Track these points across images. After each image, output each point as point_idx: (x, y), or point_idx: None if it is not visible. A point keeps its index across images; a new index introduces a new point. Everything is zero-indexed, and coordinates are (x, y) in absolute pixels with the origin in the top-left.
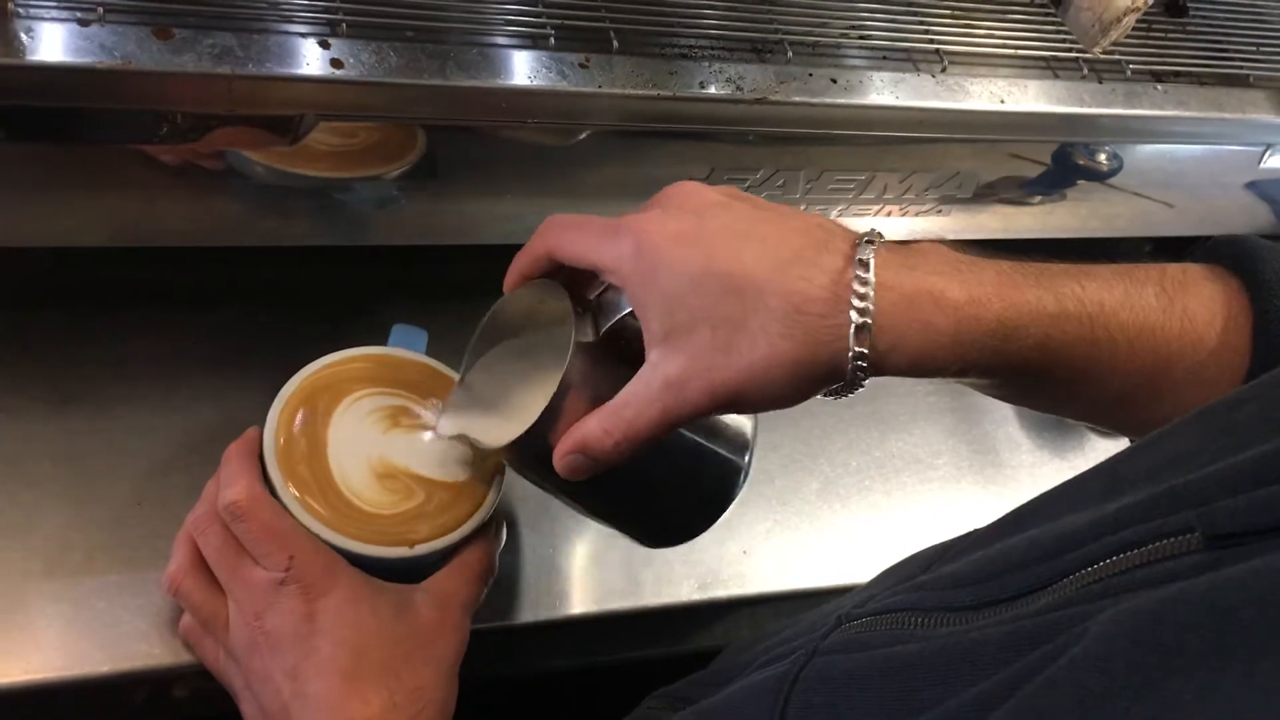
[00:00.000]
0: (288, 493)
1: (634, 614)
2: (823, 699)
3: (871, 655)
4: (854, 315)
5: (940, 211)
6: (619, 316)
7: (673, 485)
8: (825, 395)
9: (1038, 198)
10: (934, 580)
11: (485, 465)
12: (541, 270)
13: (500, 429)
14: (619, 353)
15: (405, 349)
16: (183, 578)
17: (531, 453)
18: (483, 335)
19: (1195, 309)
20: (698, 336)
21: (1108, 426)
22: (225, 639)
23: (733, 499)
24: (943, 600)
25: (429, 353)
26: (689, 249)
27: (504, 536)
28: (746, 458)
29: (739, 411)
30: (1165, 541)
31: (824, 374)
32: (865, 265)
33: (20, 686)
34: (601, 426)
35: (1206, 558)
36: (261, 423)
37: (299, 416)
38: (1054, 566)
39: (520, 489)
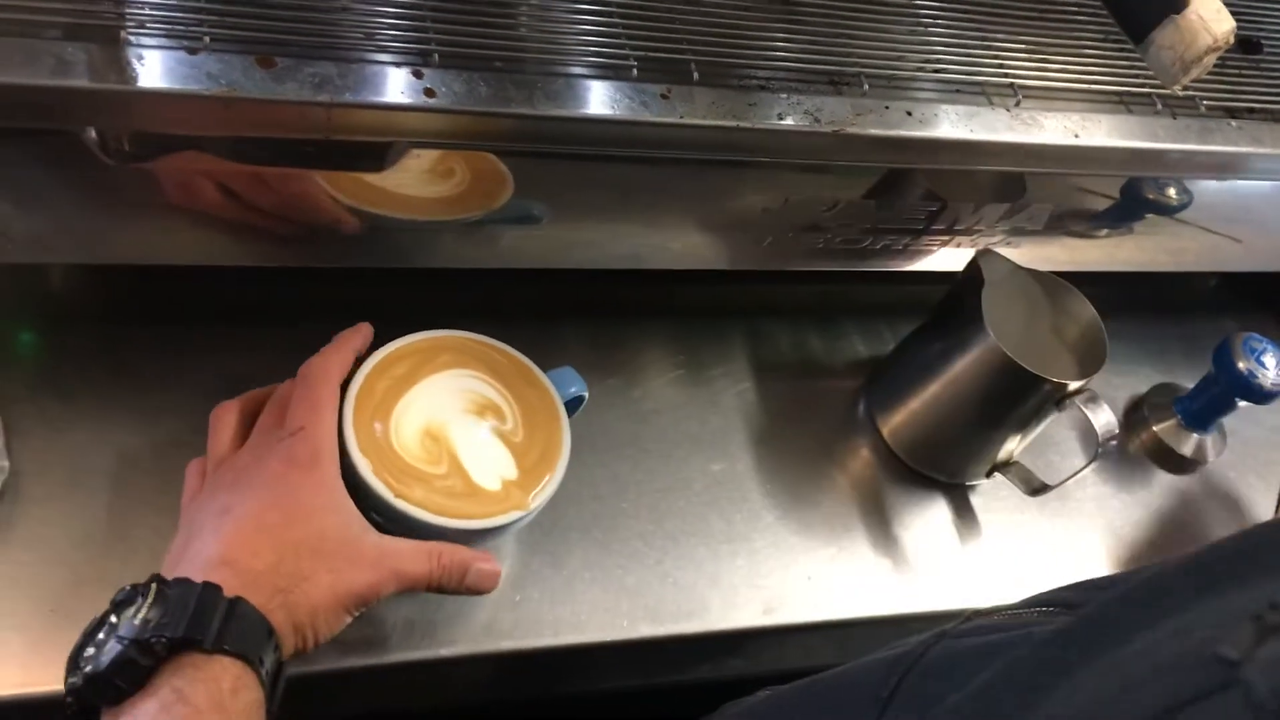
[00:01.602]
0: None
1: (701, 637)
2: (938, 674)
3: (997, 638)
4: None
5: (1010, 243)
6: None
7: None
8: None
9: (1105, 231)
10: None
11: (522, 484)
12: None
13: None
14: None
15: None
16: (229, 413)
17: None
18: None
19: None
20: None
21: None
22: (211, 473)
23: None
24: (1090, 597)
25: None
26: None
27: (493, 580)
28: None
29: None
30: None
31: None
32: None
33: None
34: None
35: None
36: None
37: (394, 369)
38: None
39: (590, 510)
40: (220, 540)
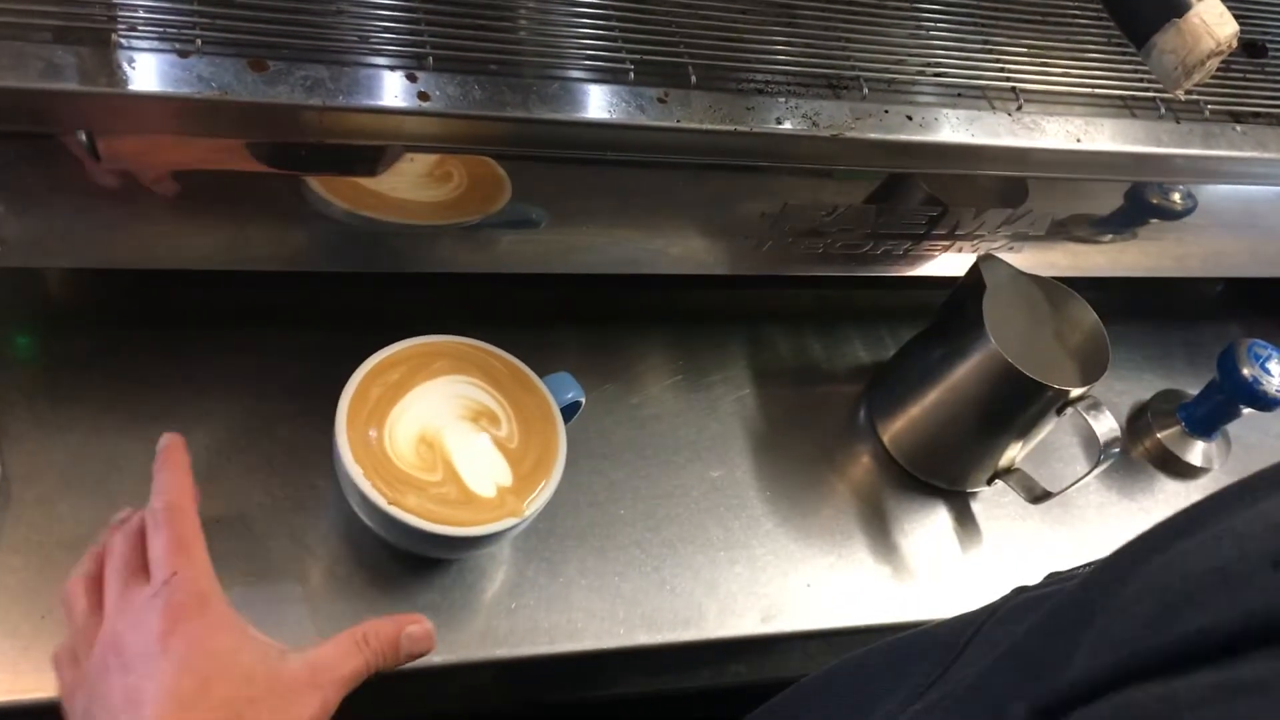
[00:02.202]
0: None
1: (699, 645)
2: (1009, 620)
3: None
4: None
5: (1012, 249)
6: None
7: None
8: None
9: (1109, 236)
10: None
11: (517, 491)
12: None
13: None
14: None
15: (549, 387)
16: (76, 586)
17: None
18: None
19: None
20: None
21: None
22: (85, 660)
23: None
24: None
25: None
26: None
27: (428, 642)
28: None
29: None
30: None
31: None
32: None
33: None
34: None
35: None
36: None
37: (387, 375)
38: None
39: (587, 516)
40: None
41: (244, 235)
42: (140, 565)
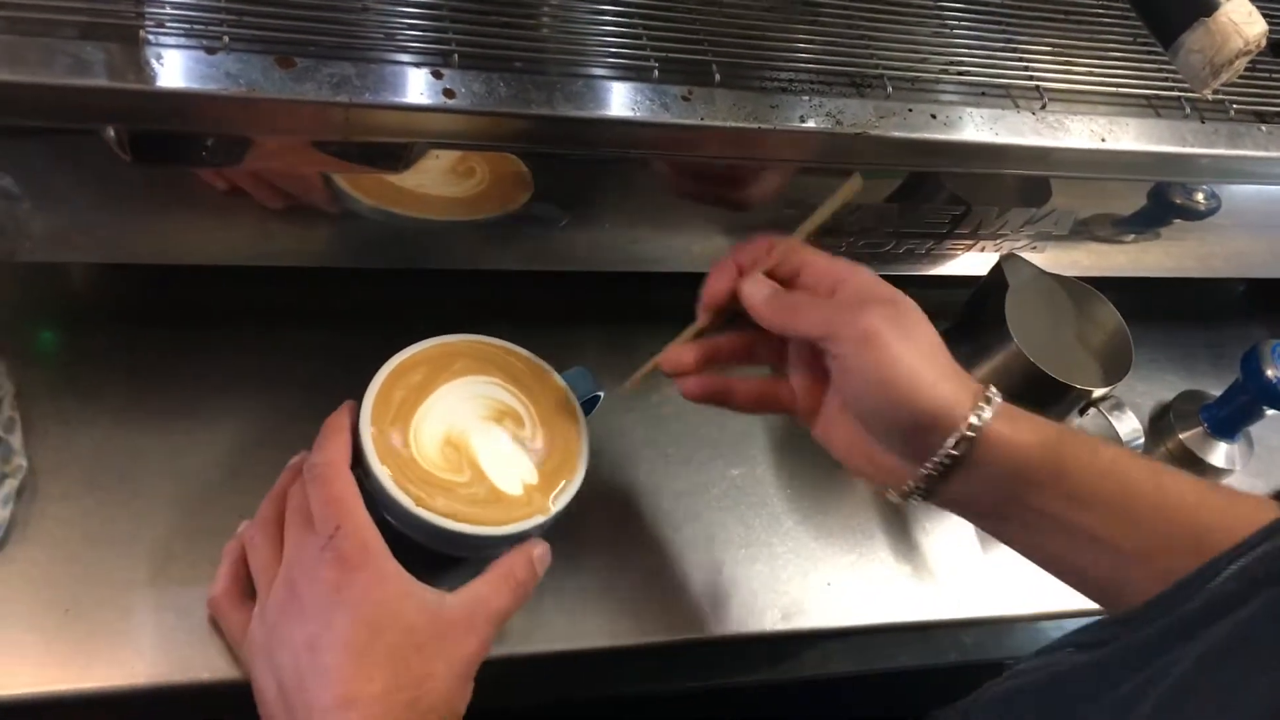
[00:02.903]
0: (368, 425)
1: (719, 641)
2: None
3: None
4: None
5: (1035, 248)
6: None
7: None
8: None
9: (1131, 236)
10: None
11: (543, 488)
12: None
13: None
14: None
15: (569, 383)
16: (255, 531)
17: None
18: None
19: (1243, 501)
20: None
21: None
22: (265, 598)
23: None
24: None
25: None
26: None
27: (549, 558)
28: None
29: None
30: None
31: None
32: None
33: (123, 691)
34: None
35: None
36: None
37: (409, 377)
38: None
39: (608, 514)
40: (327, 681)
41: (266, 231)
42: (310, 515)
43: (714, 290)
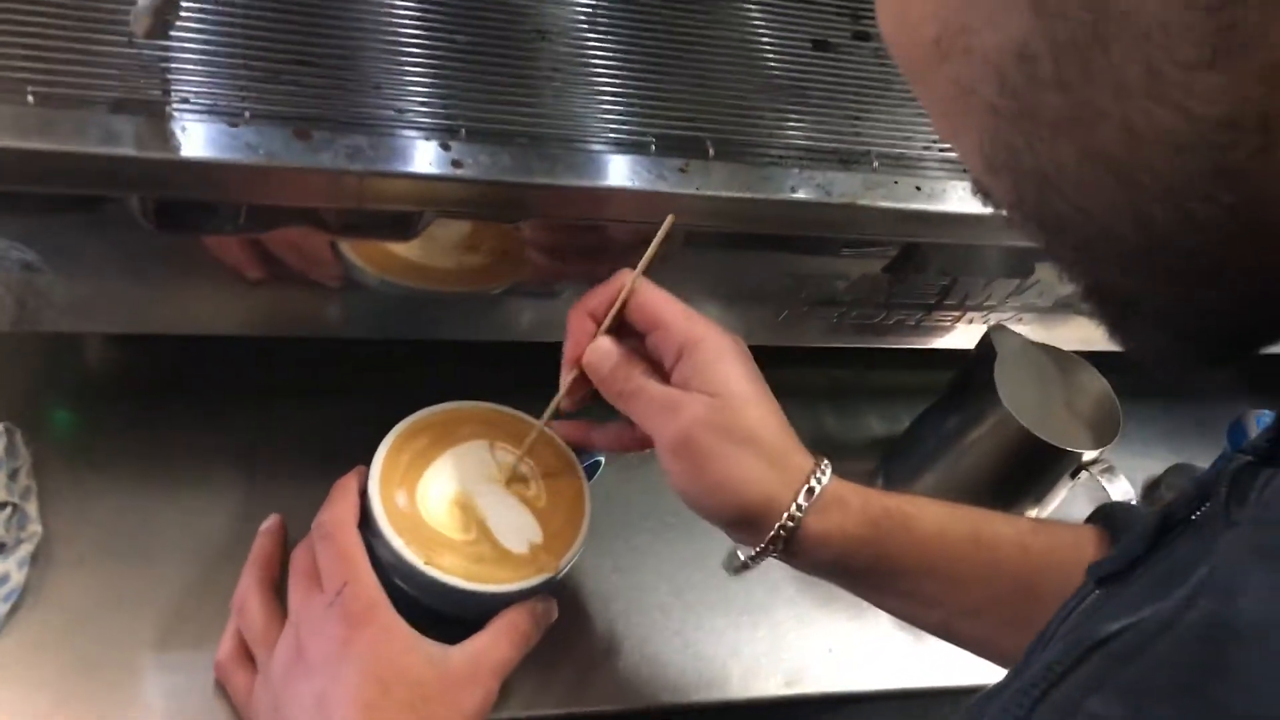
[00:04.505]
0: (376, 487)
1: (721, 706)
2: None
3: None
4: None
5: (1022, 320)
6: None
7: None
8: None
9: None
10: None
11: (548, 548)
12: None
13: None
14: None
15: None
16: (249, 595)
17: None
18: None
19: (1063, 535)
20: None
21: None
22: (267, 661)
23: None
24: None
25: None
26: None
27: (554, 614)
28: None
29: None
30: None
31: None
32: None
33: None
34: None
35: None
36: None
37: (416, 441)
38: None
39: (612, 580)
40: None
41: (278, 301)
42: (316, 575)
43: (572, 352)
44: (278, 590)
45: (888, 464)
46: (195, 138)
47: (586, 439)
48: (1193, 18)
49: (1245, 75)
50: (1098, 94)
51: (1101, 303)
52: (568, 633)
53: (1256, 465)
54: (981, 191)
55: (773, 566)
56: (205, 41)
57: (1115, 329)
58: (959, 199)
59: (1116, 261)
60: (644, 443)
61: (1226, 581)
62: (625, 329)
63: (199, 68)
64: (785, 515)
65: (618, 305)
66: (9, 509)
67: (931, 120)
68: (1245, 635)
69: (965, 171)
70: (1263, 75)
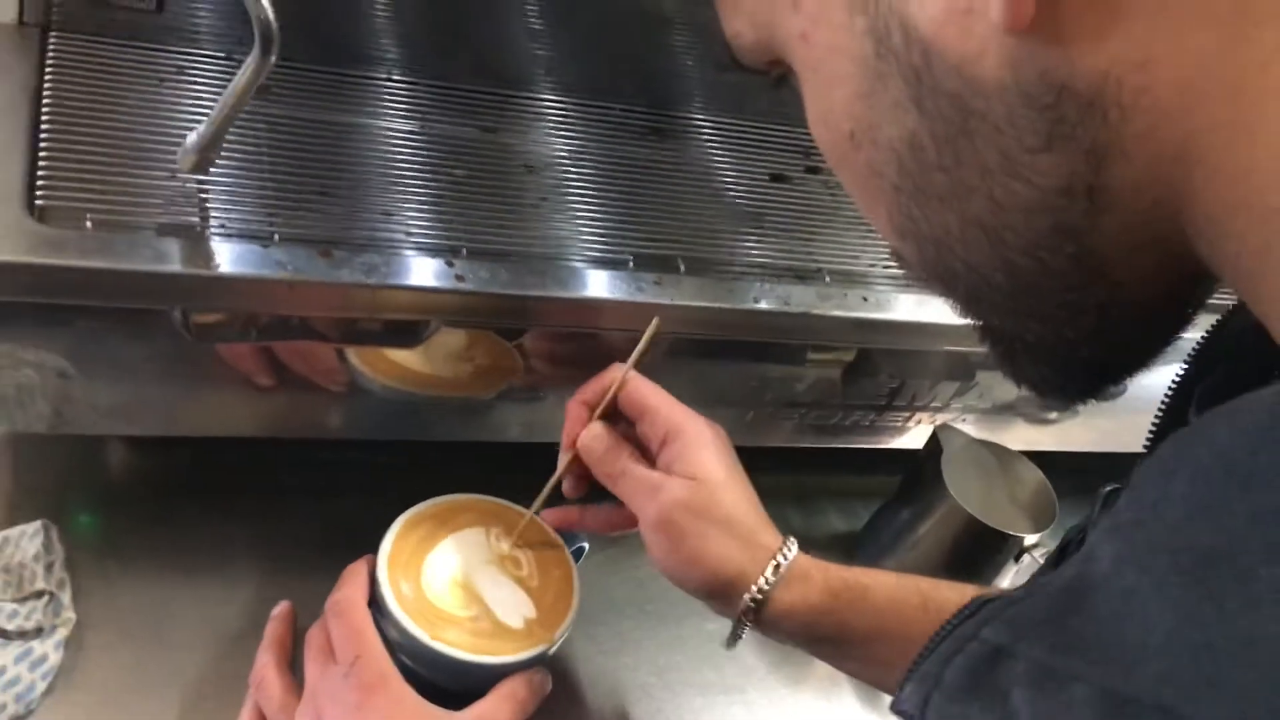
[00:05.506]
0: (384, 570)
1: None
2: None
3: None
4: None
5: (965, 420)
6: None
7: None
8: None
9: (1054, 414)
10: None
11: (543, 622)
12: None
13: None
14: None
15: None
16: (266, 671)
17: None
18: None
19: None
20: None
21: None
22: None
23: None
24: None
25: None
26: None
27: (549, 685)
28: None
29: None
30: None
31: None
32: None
33: None
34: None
35: None
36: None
37: (419, 529)
38: None
39: (596, 660)
40: None
41: (293, 406)
42: (330, 649)
43: (569, 435)
44: (291, 667)
45: (850, 557)
46: (231, 256)
47: (577, 522)
48: (1032, 114)
49: (1073, 156)
50: (968, 173)
51: (993, 342)
52: (559, 711)
53: (1119, 489)
54: (896, 255)
55: (746, 650)
56: (238, 175)
57: (1005, 363)
58: (903, 309)
59: (998, 305)
60: (631, 521)
61: (1088, 551)
62: (616, 416)
63: (233, 197)
64: (755, 588)
65: (610, 395)
66: (46, 597)
67: (852, 197)
68: (1097, 583)
69: (908, 286)
70: (1086, 157)
